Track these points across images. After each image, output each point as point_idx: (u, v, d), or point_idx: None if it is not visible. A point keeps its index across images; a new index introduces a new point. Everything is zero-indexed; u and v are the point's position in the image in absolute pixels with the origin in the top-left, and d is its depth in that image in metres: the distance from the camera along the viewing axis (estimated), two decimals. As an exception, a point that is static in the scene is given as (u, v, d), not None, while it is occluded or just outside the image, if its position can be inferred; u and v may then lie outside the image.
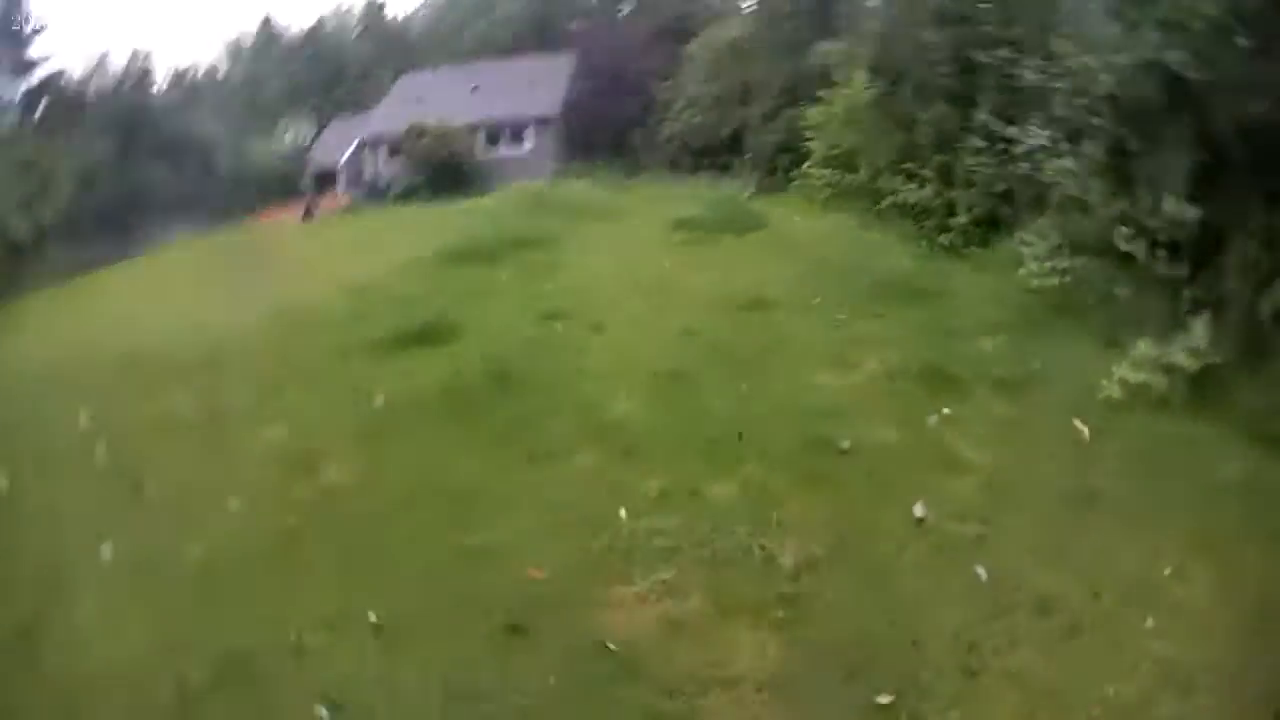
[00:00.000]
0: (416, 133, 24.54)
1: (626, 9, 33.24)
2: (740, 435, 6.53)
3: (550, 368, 8.11)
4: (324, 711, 4.17)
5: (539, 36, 32.87)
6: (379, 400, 7.54)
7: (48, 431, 7.70)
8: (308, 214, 25.08)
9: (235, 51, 45.97)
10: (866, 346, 8.09)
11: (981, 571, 4.85)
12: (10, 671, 4.70)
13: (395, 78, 32.58)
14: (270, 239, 19.47)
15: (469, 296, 10.45)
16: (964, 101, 11.85)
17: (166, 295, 13.48)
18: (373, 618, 4.77)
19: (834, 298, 9.48)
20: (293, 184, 30.99)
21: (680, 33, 25.94)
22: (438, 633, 4.67)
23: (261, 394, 8.05)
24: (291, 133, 34.09)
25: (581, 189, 18.09)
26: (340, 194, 29.83)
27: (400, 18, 44.27)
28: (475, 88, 27.99)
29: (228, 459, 6.84)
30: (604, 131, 25.82)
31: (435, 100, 27.19)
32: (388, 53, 39.42)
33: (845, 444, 6.36)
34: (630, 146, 25.56)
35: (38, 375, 9.44)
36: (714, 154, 22.02)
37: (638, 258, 11.72)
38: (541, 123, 26.24)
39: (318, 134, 34.43)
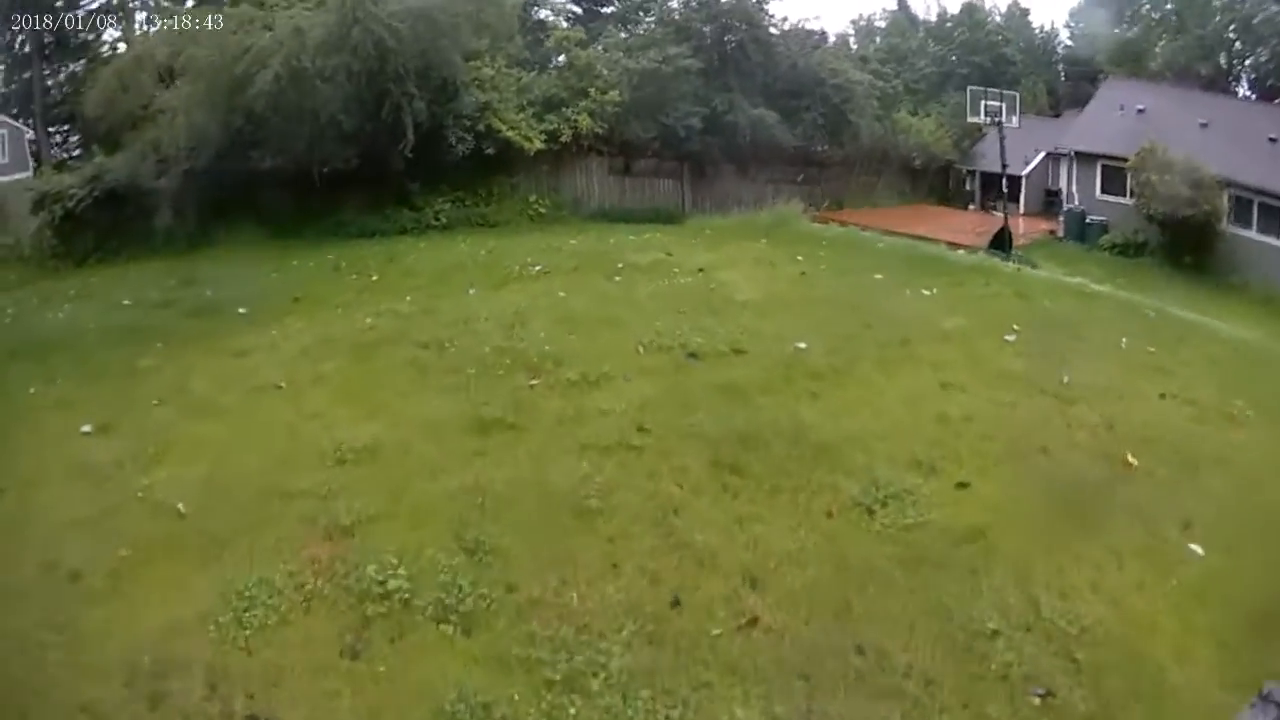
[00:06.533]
0: (1156, 165, 16.80)
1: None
2: None
3: None
4: None
5: (1225, 74, 25.56)
6: None
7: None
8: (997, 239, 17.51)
9: (864, 29, 41.33)
10: None
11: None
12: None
13: (1049, 89, 26.67)
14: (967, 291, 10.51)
15: None
16: None
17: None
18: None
19: None
20: (952, 179, 25.52)
21: None
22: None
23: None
24: (974, 113, 21.55)
25: None
26: (1020, 213, 22.30)
27: (1045, 27, 37.58)
28: (1204, 124, 19.28)
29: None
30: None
31: (1162, 126, 19.03)
32: (1030, 62, 33.67)
33: None
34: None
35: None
36: None
37: None
38: (1312, 213, 17.25)
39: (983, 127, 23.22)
